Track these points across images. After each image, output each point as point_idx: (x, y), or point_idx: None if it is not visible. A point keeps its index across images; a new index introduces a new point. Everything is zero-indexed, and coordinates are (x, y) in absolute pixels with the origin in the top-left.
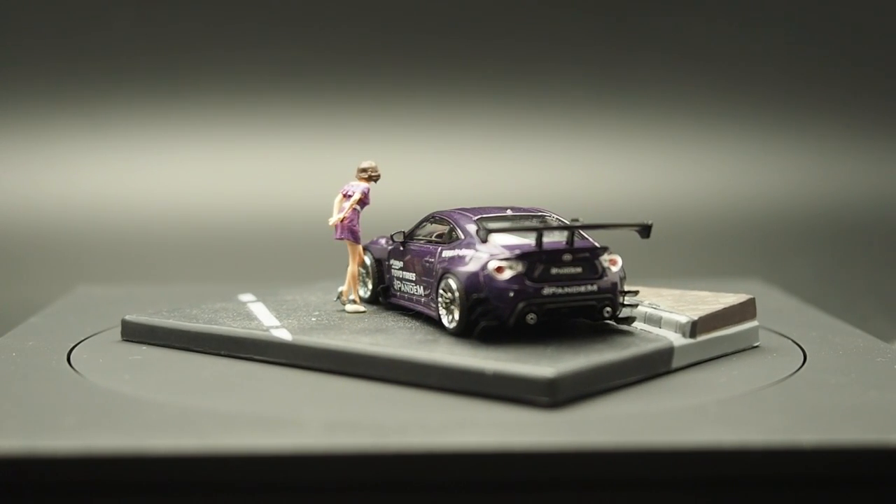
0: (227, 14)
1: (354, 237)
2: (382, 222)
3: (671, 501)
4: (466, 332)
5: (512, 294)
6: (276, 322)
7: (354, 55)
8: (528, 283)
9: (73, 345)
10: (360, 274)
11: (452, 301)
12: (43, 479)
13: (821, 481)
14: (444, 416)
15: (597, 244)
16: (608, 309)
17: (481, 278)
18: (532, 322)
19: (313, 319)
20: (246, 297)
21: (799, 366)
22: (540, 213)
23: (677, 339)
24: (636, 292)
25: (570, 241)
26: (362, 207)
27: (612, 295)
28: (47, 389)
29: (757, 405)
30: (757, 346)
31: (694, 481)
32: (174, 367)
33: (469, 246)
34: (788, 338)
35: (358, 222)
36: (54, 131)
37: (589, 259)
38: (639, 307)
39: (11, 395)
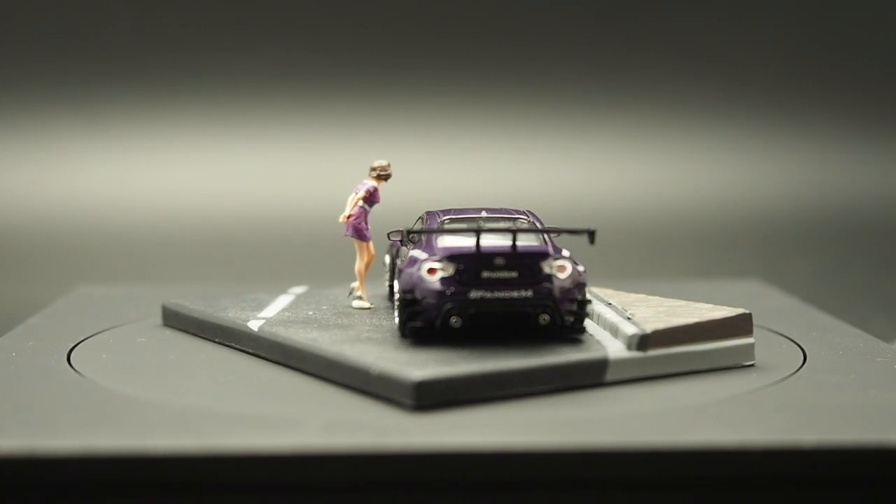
0: (228, 13)
1: (359, 235)
2: (387, 221)
3: (671, 501)
4: (403, 332)
5: (437, 296)
6: (271, 314)
7: (356, 55)
8: (455, 285)
9: (73, 345)
10: (388, 272)
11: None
12: (43, 479)
13: (821, 481)
14: (443, 416)
15: (546, 249)
16: (545, 317)
17: (414, 279)
18: (456, 325)
19: (310, 313)
20: (295, 290)
21: (799, 366)
22: (515, 216)
23: (619, 352)
24: (588, 302)
25: (513, 244)
26: (371, 206)
27: (553, 302)
28: (47, 389)
29: (757, 405)
30: (752, 365)
31: (694, 481)
32: (174, 367)
33: (421, 246)
34: (788, 338)
35: (365, 220)
36: (54, 131)
37: (527, 264)
38: (602, 315)
39: (11, 395)
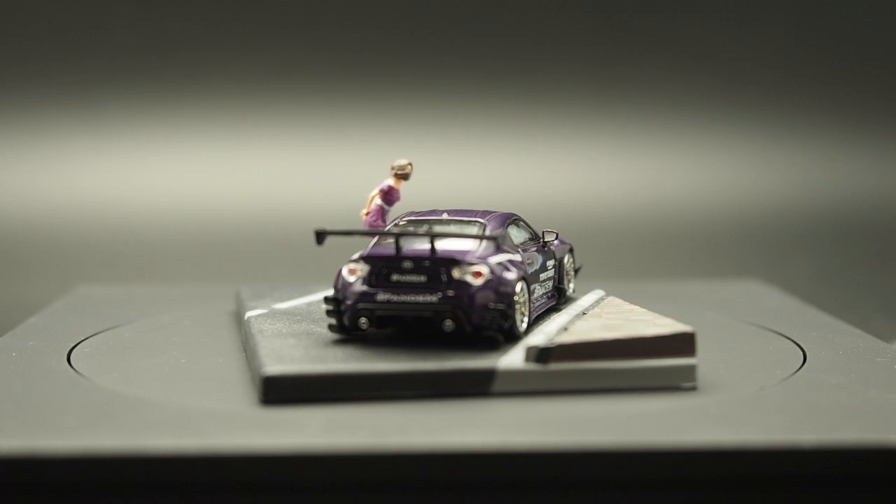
0: (228, 13)
1: None
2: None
3: (671, 501)
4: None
5: (352, 296)
6: (284, 306)
7: (356, 55)
8: (365, 287)
9: (73, 345)
10: None
11: None
12: (43, 479)
13: (821, 481)
14: (444, 416)
15: (459, 254)
16: (448, 322)
17: (340, 279)
18: (364, 327)
19: (322, 307)
20: None
21: (799, 366)
22: (472, 219)
23: (513, 363)
24: (504, 310)
25: (432, 248)
26: (390, 205)
27: (461, 309)
28: (47, 389)
29: (757, 405)
30: (693, 388)
31: (694, 481)
32: (175, 367)
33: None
34: (788, 338)
35: (382, 219)
36: (54, 131)
37: (435, 268)
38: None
39: (11, 395)
